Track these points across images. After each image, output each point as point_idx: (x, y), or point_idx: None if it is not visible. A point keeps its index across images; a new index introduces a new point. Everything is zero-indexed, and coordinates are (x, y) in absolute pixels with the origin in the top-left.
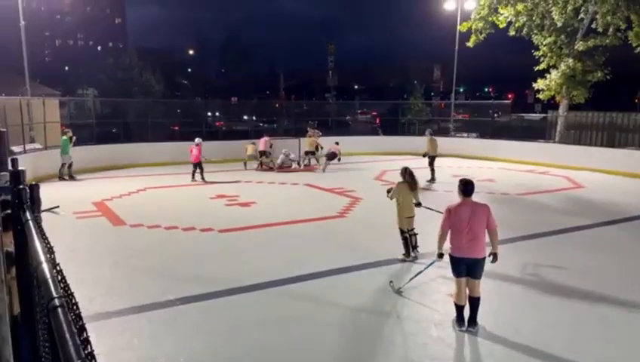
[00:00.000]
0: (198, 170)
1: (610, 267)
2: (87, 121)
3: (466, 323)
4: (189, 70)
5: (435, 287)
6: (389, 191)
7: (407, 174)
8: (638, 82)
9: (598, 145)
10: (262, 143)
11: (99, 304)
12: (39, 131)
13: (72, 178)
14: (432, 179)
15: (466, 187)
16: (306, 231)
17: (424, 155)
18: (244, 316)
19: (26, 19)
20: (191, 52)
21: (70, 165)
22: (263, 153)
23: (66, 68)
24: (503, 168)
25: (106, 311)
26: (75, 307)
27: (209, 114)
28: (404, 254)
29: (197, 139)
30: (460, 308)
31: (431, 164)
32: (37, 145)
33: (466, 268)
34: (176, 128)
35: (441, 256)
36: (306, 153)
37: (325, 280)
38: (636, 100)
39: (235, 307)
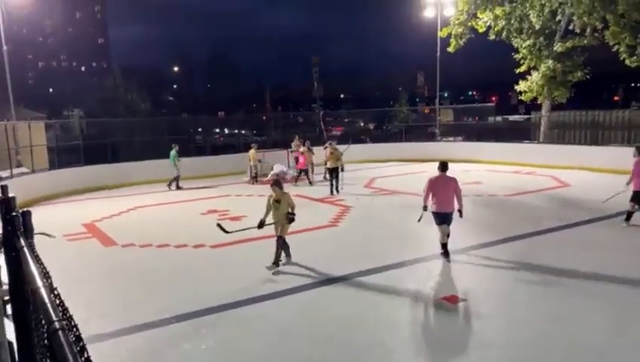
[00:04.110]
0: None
1: (599, 265)
2: (74, 142)
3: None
4: (175, 87)
5: (428, 294)
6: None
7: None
8: (618, 80)
9: (582, 144)
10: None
11: (94, 326)
12: (26, 155)
13: (178, 188)
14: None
15: (443, 166)
16: (298, 242)
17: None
18: (240, 331)
19: (8, 42)
20: (176, 69)
21: (178, 176)
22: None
23: (50, 90)
24: (490, 170)
25: (101, 332)
26: (75, 329)
27: (222, 130)
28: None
29: (302, 148)
30: (444, 245)
31: (338, 175)
32: (24, 169)
33: (442, 218)
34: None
35: (425, 208)
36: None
37: (316, 291)
38: (616, 98)
39: (232, 322)
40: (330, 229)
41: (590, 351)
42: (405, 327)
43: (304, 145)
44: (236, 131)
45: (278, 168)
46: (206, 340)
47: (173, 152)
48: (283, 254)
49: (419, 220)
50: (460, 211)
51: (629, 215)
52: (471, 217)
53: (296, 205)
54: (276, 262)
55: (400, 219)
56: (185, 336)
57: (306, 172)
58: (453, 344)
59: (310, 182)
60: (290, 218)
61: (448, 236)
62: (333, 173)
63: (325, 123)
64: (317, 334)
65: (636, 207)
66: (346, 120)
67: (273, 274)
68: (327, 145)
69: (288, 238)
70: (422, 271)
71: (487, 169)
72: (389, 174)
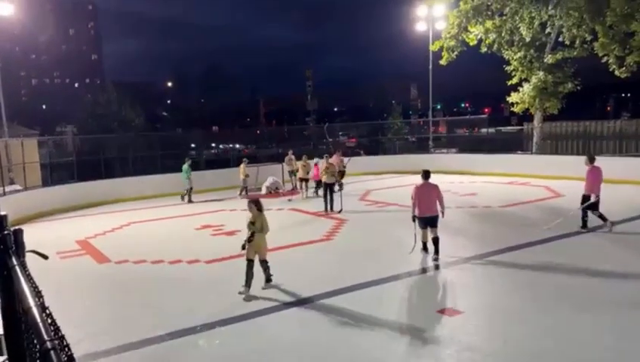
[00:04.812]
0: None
1: (594, 274)
2: (67, 159)
3: (432, 254)
4: (169, 102)
5: (423, 307)
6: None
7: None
8: (609, 91)
9: (574, 154)
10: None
11: (87, 344)
12: (19, 172)
13: (190, 201)
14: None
15: (426, 174)
16: (292, 257)
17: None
18: (236, 347)
19: (1, 59)
20: (169, 84)
21: (190, 189)
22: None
23: (44, 106)
24: (485, 181)
25: (94, 351)
26: (67, 348)
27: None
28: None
29: (316, 159)
30: (424, 243)
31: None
32: (17, 187)
33: (427, 222)
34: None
35: (414, 218)
36: (301, 180)
37: (311, 307)
38: (608, 108)
39: (227, 338)
40: (325, 243)
41: None
42: (403, 340)
43: (301, 159)
44: (230, 145)
45: (270, 181)
46: (199, 356)
47: (185, 166)
48: (268, 273)
49: (411, 252)
50: (442, 212)
51: (610, 222)
52: (466, 229)
53: (293, 220)
54: (268, 279)
55: (395, 231)
56: (178, 353)
57: (317, 183)
58: (449, 358)
59: (306, 196)
60: (249, 238)
61: (437, 241)
62: (327, 188)
63: (330, 135)
64: (312, 348)
65: (596, 212)
66: (340, 133)
67: (264, 289)
68: (325, 156)
69: (284, 252)
70: (417, 284)
71: (482, 180)
72: (384, 186)
